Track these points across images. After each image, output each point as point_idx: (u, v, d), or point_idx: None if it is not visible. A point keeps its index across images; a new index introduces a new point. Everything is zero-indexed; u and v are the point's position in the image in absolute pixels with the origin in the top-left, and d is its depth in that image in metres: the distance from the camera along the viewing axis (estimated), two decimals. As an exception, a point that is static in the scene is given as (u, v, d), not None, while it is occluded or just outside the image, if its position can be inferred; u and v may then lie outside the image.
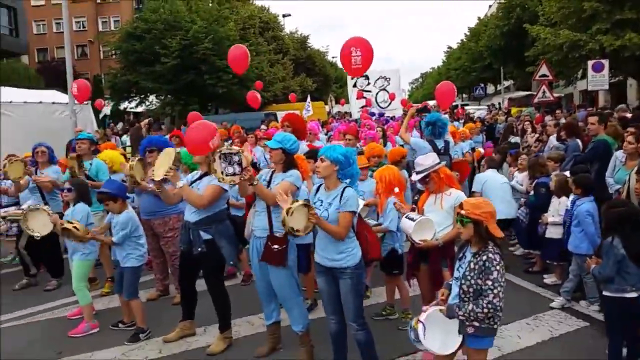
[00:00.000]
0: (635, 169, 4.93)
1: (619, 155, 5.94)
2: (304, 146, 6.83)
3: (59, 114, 16.78)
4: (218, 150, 3.89)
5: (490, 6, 57.92)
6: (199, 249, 4.36)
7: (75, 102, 17.76)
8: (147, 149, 5.56)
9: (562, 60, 19.49)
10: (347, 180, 3.77)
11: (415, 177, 4.32)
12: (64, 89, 25.13)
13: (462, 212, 3.16)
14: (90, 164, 6.21)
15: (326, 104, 35.96)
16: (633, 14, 17.09)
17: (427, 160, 4.28)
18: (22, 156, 6.55)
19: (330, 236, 3.65)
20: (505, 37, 31.62)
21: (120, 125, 27.10)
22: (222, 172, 3.85)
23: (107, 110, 30.68)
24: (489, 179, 6.40)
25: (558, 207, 5.72)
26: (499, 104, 35.63)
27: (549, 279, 5.94)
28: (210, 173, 4.30)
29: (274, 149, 4.16)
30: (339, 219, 3.63)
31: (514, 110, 25.97)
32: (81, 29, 46.91)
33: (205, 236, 4.38)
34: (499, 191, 6.23)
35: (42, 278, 6.64)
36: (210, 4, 27.41)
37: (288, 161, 4.19)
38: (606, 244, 3.85)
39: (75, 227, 4.61)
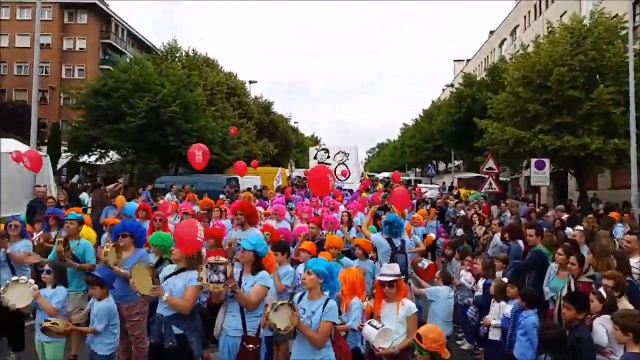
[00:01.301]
0: (565, 290, 5.61)
1: (553, 266, 6.69)
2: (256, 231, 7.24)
3: (14, 165, 16.63)
4: (207, 260, 4.29)
5: (443, 90, 61.88)
6: (170, 343, 4.57)
7: (39, 152, 17.68)
8: (120, 233, 5.87)
9: (508, 154, 21.05)
10: (327, 292, 4.19)
11: (382, 278, 4.77)
12: (22, 136, 24.82)
13: (423, 345, 3.71)
14: (77, 245, 6.35)
15: (286, 168, 36.71)
16: (570, 118, 18.90)
17: (395, 269, 4.85)
18: None
19: (308, 343, 4.01)
20: (456, 124, 33.68)
21: (76, 178, 26.71)
22: (207, 280, 4.23)
23: (63, 161, 30.27)
24: (439, 296, 6.70)
25: (498, 310, 6.33)
26: (451, 182, 37.52)
27: (491, 379, 6.43)
28: (187, 269, 4.69)
29: (247, 251, 4.59)
30: (320, 327, 4.02)
31: (463, 191, 27.50)
32: (43, 74, 46.59)
33: (177, 331, 4.60)
34: (444, 311, 6.61)
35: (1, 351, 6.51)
36: (180, 70, 28.14)
37: (257, 262, 4.62)
38: None
39: (55, 324, 4.76)
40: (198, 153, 10.56)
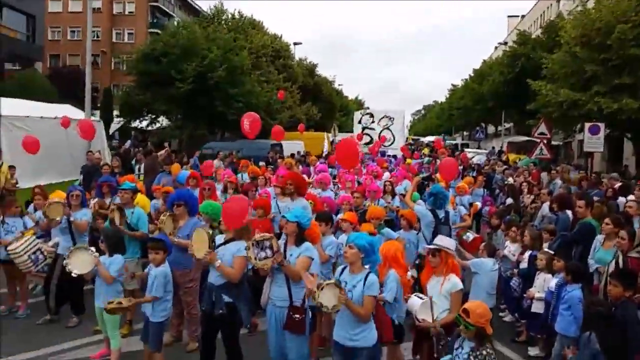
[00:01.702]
0: (613, 266, 5.47)
1: (599, 237, 6.49)
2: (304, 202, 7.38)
3: (71, 129, 17.39)
4: (253, 238, 4.44)
5: (496, 48, 59.36)
6: (220, 311, 4.82)
7: (92, 118, 18.37)
8: (174, 202, 6.10)
9: (561, 117, 20.21)
10: (367, 266, 4.29)
11: (429, 246, 4.81)
12: (76, 100, 25.84)
13: (470, 320, 3.75)
14: (132, 213, 6.61)
15: (329, 132, 36.66)
16: (630, 79, 17.86)
17: (445, 241, 4.92)
18: (60, 198, 6.95)
19: (354, 317, 4.14)
20: (508, 84, 32.49)
21: (128, 143, 27.71)
22: (255, 258, 4.40)
23: (115, 125, 31.41)
24: (483, 268, 6.54)
25: (543, 283, 6.26)
26: (501, 147, 36.46)
27: (533, 351, 6.41)
28: (235, 239, 4.88)
29: (290, 222, 4.71)
30: (364, 302, 4.14)
31: (512, 157, 26.69)
32: (95, 38, 47.76)
33: (227, 299, 4.84)
34: (488, 283, 6.50)
35: (63, 314, 6.90)
36: (227, 34, 28.21)
37: (301, 234, 4.74)
38: (584, 338, 4.42)
39: (119, 303, 5.05)
40: (246, 122, 10.69)
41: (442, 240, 4.96)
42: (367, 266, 4.33)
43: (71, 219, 6.65)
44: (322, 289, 4.00)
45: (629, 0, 18.02)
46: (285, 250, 4.73)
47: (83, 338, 6.36)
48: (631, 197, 8.56)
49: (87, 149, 15.24)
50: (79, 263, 5.35)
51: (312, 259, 4.69)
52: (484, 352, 3.70)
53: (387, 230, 7.04)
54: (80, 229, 6.72)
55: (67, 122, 15.11)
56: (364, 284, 4.17)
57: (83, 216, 6.81)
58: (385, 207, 8.35)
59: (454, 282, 4.74)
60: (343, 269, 4.45)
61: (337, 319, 4.34)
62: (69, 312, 6.88)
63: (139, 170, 12.94)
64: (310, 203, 7.46)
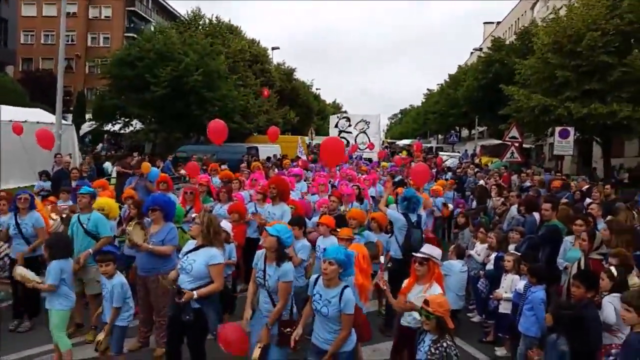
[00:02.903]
0: (575, 268, 5.57)
1: (569, 239, 6.63)
2: (285, 207, 7.40)
3: (30, 134, 17.04)
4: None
5: (471, 53, 60.28)
6: (187, 317, 4.71)
7: (64, 122, 17.99)
8: (150, 208, 5.92)
9: (533, 122, 20.61)
10: (346, 279, 4.31)
11: (416, 254, 4.81)
12: (47, 104, 25.36)
13: (429, 309, 3.84)
14: (89, 219, 6.41)
15: (307, 135, 36.62)
16: (600, 85, 18.34)
17: (433, 251, 4.89)
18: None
19: (332, 321, 4.18)
20: (482, 89, 32.98)
21: (100, 146, 27.31)
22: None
23: (86, 128, 30.87)
24: (453, 270, 6.78)
25: (510, 284, 6.35)
26: (473, 150, 36.99)
27: (500, 352, 6.50)
28: (205, 246, 4.79)
29: (271, 235, 4.60)
30: (344, 320, 4.14)
31: (484, 159, 27.11)
32: (69, 42, 47.03)
33: (194, 305, 4.72)
34: (456, 285, 6.71)
35: (37, 319, 6.72)
36: (204, 39, 28.06)
37: (281, 251, 4.61)
38: (551, 340, 4.51)
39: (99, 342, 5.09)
40: (211, 129, 10.66)
41: (431, 250, 4.91)
42: (345, 278, 4.33)
43: (19, 220, 6.56)
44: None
45: (599, 8, 18.51)
46: (264, 267, 4.63)
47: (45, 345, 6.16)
48: (589, 199, 8.76)
49: (52, 153, 14.78)
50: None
51: (291, 282, 4.63)
52: (444, 345, 3.79)
53: (367, 232, 7.05)
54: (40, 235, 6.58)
55: (19, 128, 14.72)
56: (340, 301, 4.15)
57: (33, 220, 6.63)
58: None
59: (436, 290, 4.70)
60: (317, 279, 4.40)
61: (315, 322, 4.33)
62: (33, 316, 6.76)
63: (111, 173, 12.75)
64: (292, 207, 7.46)
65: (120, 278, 5.16)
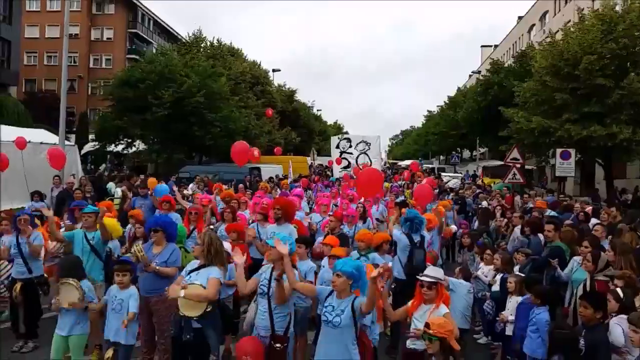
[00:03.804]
0: (581, 289, 5.56)
1: (577, 259, 6.60)
2: (290, 227, 7.42)
3: (45, 154, 17.04)
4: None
5: (470, 76, 60.87)
6: (187, 337, 4.71)
7: (67, 142, 18.00)
8: (152, 229, 5.98)
9: (534, 143, 20.70)
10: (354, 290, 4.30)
11: (423, 278, 4.76)
12: (52, 125, 25.49)
13: (430, 331, 3.77)
14: (93, 238, 6.49)
15: (308, 156, 36.82)
16: (598, 107, 18.49)
17: (439, 273, 4.86)
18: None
19: (335, 342, 4.15)
20: (482, 111, 33.19)
21: (103, 167, 27.35)
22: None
23: (88, 148, 30.99)
24: (459, 291, 6.63)
25: (515, 305, 6.31)
26: (474, 171, 37.05)
27: (508, 375, 6.44)
28: (207, 265, 4.82)
29: (273, 247, 4.67)
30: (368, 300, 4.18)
31: (487, 180, 27.17)
32: (72, 63, 47.49)
33: (195, 324, 4.74)
34: (462, 305, 6.56)
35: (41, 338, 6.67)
36: (205, 61, 28.41)
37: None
38: None
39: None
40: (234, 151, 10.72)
41: (435, 272, 4.87)
42: (354, 290, 4.32)
43: (20, 241, 6.62)
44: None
45: (595, 32, 18.78)
46: (269, 279, 4.68)
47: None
48: (595, 220, 8.76)
49: (51, 175, 14.71)
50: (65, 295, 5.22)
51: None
52: None
53: (373, 255, 7.02)
54: (34, 253, 6.63)
55: (22, 142, 14.70)
56: (352, 309, 4.18)
57: (34, 239, 6.68)
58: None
59: (443, 310, 4.66)
60: (330, 293, 4.41)
61: (318, 347, 4.30)
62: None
63: (115, 194, 12.74)
64: (295, 227, 7.46)
65: (134, 289, 5.22)
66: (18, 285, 6.55)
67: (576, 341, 4.44)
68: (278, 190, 13.91)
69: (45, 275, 6.99)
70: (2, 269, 6.68)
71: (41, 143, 18.67)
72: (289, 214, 7.52)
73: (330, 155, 27.16)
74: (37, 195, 11.38)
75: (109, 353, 5.06)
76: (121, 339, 5.10)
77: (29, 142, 17.27)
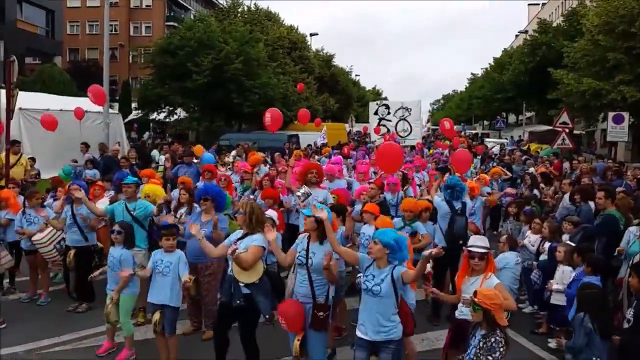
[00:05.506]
0: (637, 258, 5.32)
1: (633, 229, 6.30)
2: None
3: (90, 122, 17.45)
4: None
5: (516, 36, 58.34)
6: (238, 302, 4.80)
7: (110, 110, 18.34)
8: (202, 197, 6.11)
9: (584, 107, 19.82)
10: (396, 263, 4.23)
11: (473, 249, 4.61)
12: (93, 92, 26.12)
13: (475, 299, 3.71)
14: (134, 209, 6.55)
15: (347, 122, 36.48)
16: (656, 68, 17.44)
17: (486, 242, 4.71)
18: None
19: (376, 309, 4.15)
20: (529, 73, 31.96)
21: (146, 135, 27.94)
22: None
23: (132, 117, 31.68)
24: (507, 263, 6.54)
25: (562, 275, 6.13)
26: (519, 136, 35.90)
27: (553, 343, 6.30)
28: (250, 234, 4.85)
29: (308, 217, 4.67)
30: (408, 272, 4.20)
31: (533, 146, 26.27)
32: (113, 32, 48.13)
33: (245, 290, 4.80)
34: (509, 278, 6.43)
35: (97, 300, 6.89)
36: (242, 27, 28.21)
37: (321, 229, 4.65)
38: (578, 319, 4.58)
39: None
40: (268, 117, 10.60)
41: (484, 242, 4.70)
42: (395, 262, 4.24)
43: (76, 212, 6.80)
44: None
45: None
46: (307, 249, 4.69)
47: (93, 328, 6.38)
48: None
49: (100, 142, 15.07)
50: None
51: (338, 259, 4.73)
52: (492, 340, 3.67)
53: (417, 224, 6.91)
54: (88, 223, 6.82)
55: (81, 112, 15.08)
56: (392, 279, 4.14)
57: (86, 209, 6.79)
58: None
59: (494, 281, 4.50)
60: (371, 263, 4.36)
61: (361, 313, 4.28)
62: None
63: (159, 161, 12.89)
64: (334, 197, 7.41)
65: (182, 253, 5.37)
66: (72, 252, 6.77)
67: (604, 300, 4.54)
68: (315, 157, 13.81)
69: (100, 244, 7.19)
70: (55, 232, 6.89)
71: (86, 111, 19.16)
72: (321, 179, 7.61)
73: (368, 122, 26.80)
74: (90, 163, 11.71)
75: (157, 315, 5.18)
76: (169, 301, 5.20)
77: (87, 111, 17.76)
